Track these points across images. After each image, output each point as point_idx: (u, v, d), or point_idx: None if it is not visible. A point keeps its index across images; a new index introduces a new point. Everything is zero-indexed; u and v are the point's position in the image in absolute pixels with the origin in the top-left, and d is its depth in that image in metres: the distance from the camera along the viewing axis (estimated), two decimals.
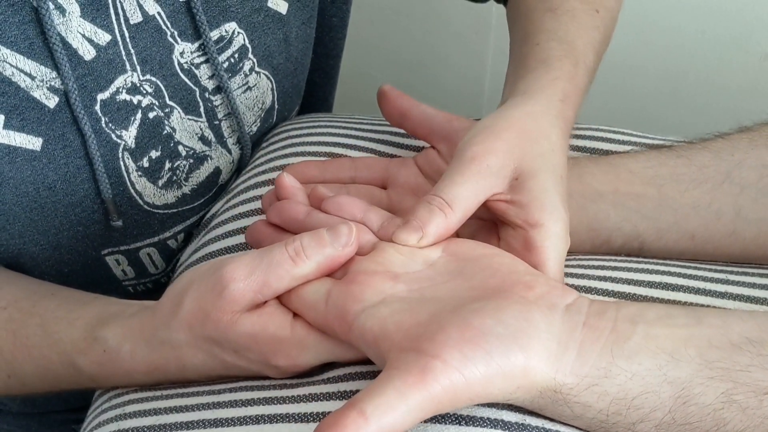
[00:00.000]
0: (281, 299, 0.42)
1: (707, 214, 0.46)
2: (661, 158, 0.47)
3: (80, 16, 0.48)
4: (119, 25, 0.50)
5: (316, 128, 0.59)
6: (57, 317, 0.48)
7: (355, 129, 0.58)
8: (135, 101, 0.52)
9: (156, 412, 0.43)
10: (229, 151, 0.59)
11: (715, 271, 0.45)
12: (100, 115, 0.51)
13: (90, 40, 0.49)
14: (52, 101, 0.49)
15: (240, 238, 0.52)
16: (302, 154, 0.56)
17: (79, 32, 0.48)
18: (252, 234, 0.47)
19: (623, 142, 0.54)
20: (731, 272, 0.45)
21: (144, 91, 0.52)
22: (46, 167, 0.50)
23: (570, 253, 0.47)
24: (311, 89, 0.73)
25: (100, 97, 0.50)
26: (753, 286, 0.44)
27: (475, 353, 0.34)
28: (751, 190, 0.45)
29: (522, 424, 0.36)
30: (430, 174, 0.50)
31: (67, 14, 0.48)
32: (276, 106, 0.61)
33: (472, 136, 0.43)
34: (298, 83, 0.63)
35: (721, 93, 0.99)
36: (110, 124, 0.51)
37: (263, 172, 0.56)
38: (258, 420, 0.40)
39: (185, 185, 0.58)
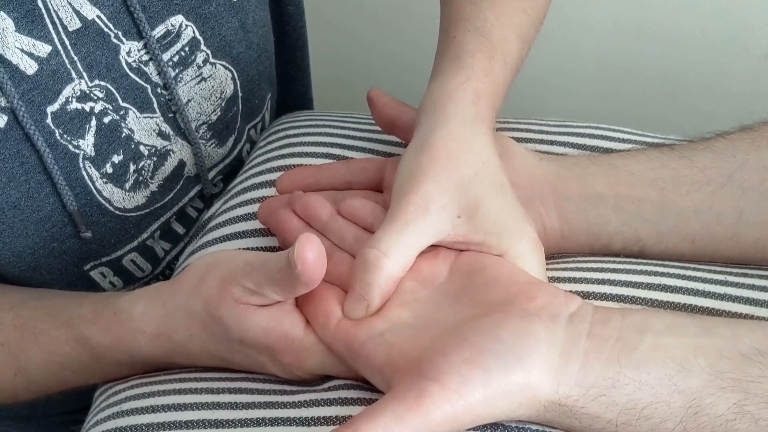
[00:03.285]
0: (299, 303, 0.42)
1: (708, 217, 0.45)
2: (662, 159, 0.47)
3: (15, 31, 0.47)
4: (58, 34, 0.49)
5: (313, 127, 0.59)
6: (67, 303, 0.49)
7: (353, 128, 0.58)
8: (87, 108, 0.51)
9: (154, 409, 0.43)
10: (189, 142, 0.58)
11: (715, 272, 0.45)
12: (53, 127, 0.50)
13: (30, 54, 0.48)
14: (1, 121, 0.48)
15: (237, 243, 0.51)
16: (300, 154, 0.56)
17: (17, 47, 0.47)
18: (269, 220, 0.46)
19: (623, 140, 0.53)
20: (730, 273, 0.45)
21: (95, 97, 0.51)
22: (7, 186, 0.49)
23: (568, 255, 0.47)
24: (288, 84, 0.72)
25: (50, 109, 0.49)
26: (753, 287, 0.43)
27: (474, 374, 0.34)
28: (752, 192, 0.45)
29: (522, 428, 0.36)
30: None
31: (1, 31, 0.47)
32: (240, 94, 0.60)
33: (403, 183, 0.42)
34: (264, 70, 0.62)
35: (721, 93, 0.98)
36: (65, 135, 0.51)
37: (261, 173, 0.56)
38: (259, 423, 0.40)
39: (152, 183, 0.57)
